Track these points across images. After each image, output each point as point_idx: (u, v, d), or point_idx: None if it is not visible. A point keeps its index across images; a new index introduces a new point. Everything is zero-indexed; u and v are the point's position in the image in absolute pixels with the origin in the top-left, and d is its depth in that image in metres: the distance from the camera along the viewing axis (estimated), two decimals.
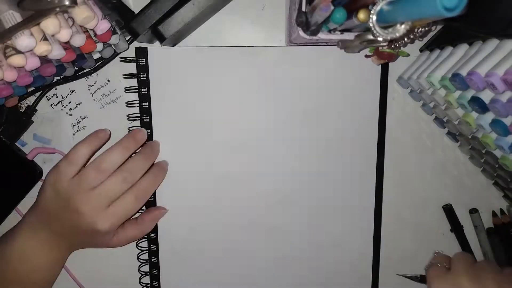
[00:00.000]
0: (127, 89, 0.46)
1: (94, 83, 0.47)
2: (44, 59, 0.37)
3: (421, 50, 0.47)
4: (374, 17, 0.29)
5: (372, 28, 0.30)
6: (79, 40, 0.36)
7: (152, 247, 0.49)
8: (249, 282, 0.51)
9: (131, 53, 0.45)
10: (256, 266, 0.50)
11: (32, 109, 0.46)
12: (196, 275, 0.50)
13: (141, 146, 0.45)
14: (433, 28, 0.43)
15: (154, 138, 0.46)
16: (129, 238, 0.45)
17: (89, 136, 0.41)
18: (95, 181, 0.40)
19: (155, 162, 0.46)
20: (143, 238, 0.49)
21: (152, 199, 0.47)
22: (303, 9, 0.37)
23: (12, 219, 0.48)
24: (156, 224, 0.48)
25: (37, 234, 0.43)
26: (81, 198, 0.40)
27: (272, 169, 0.48)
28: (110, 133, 0.43)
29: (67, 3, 0.31)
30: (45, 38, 0.33)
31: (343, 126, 0.48)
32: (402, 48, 0.38)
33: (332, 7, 0.32)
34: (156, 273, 0.50)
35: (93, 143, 0.41)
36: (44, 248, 0.43)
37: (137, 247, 0.50)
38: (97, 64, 0.45)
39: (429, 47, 0.45)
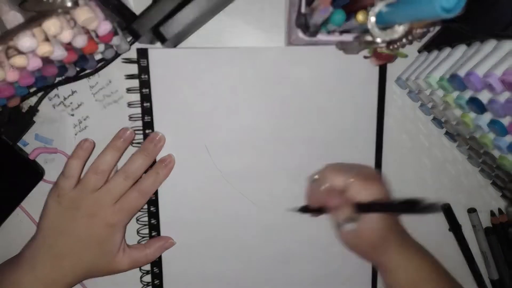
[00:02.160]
0: (129, 90, 0.46)
1: (95, 84, 0.47)
2: (46, 60, 0.37)
3: (419, 51, 0.47)
4: (373, 19, 0.29)
5: (371, 30, 0.30)
6: (81, 41, 0.36)
7: None
8: (251, 280, 0.51)
9: (132, 54, 0.45)
10: (258, 264, 0.51)
11: (34, 110, 0.46)
12: (198, 273, 0.50)
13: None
14: (431, 29, 0.44)
15: None
16: (133, 258, 0.47)
17: (75, 149, 0.44)
18: (97, 182, 0.43)
19: (161, 158, 0.47)
20: (143, 237, 0.49)
21: (154, 198, 0.48)
22: (303, 10, 0.37)
23: (13, 219, 0.49)
24: (158, 223, 0.49)
25: (34, 270, 0.43)
26: (89, 200, 0.43)
27: (272, 168, 0.48)
28: (95, 143, 0.45)
29: (69, 4, 0.32)
30: (47, 39, 0.34)
31: (341, 126, 0.48)
32: (400, 49, 0.38)
33: (331, 9, 0.32)
34: (158, 271, 0.50)
35: (80, 154, 0.44)
36: (39, 286, 0.43)
37: None
38: (99, 65, 0.46)
39: (428, 48, 0.45)
